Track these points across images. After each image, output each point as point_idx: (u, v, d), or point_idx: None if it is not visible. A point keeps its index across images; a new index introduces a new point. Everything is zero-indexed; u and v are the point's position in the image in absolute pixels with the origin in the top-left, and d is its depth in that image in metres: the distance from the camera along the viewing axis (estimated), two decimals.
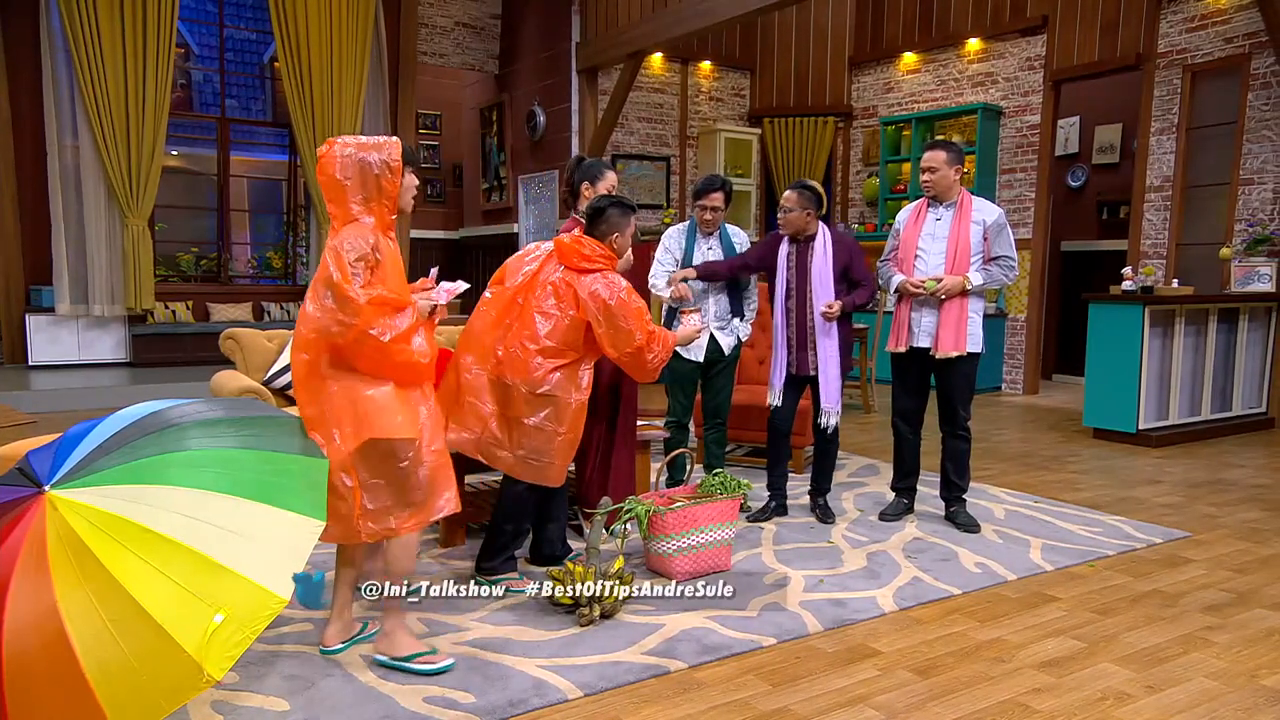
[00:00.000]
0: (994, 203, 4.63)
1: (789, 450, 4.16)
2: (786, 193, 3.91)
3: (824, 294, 3.83)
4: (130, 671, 1.73)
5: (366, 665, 2.54)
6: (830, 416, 3.92)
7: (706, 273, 4.03)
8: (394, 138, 2.53)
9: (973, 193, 3.95)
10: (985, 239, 3.83)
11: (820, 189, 3.92)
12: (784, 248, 3.94)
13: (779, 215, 3.92)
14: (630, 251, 3.17)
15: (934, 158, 3.84)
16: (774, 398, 4.02)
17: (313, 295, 2.41)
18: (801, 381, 3.99)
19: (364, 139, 2.47)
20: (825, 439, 4.00)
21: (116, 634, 1.74)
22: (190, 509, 1.90)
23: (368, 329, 2.33)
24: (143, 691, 1.74)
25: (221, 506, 1.94)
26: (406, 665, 2.50)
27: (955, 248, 3.82)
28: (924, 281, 3.81)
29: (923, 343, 3.89)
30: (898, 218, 4.08)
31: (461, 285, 2.74)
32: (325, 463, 2.27)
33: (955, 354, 3.81)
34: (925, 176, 3.87)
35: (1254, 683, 2.52)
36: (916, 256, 3.91)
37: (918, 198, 4.09)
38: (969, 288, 3.79)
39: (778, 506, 4.10)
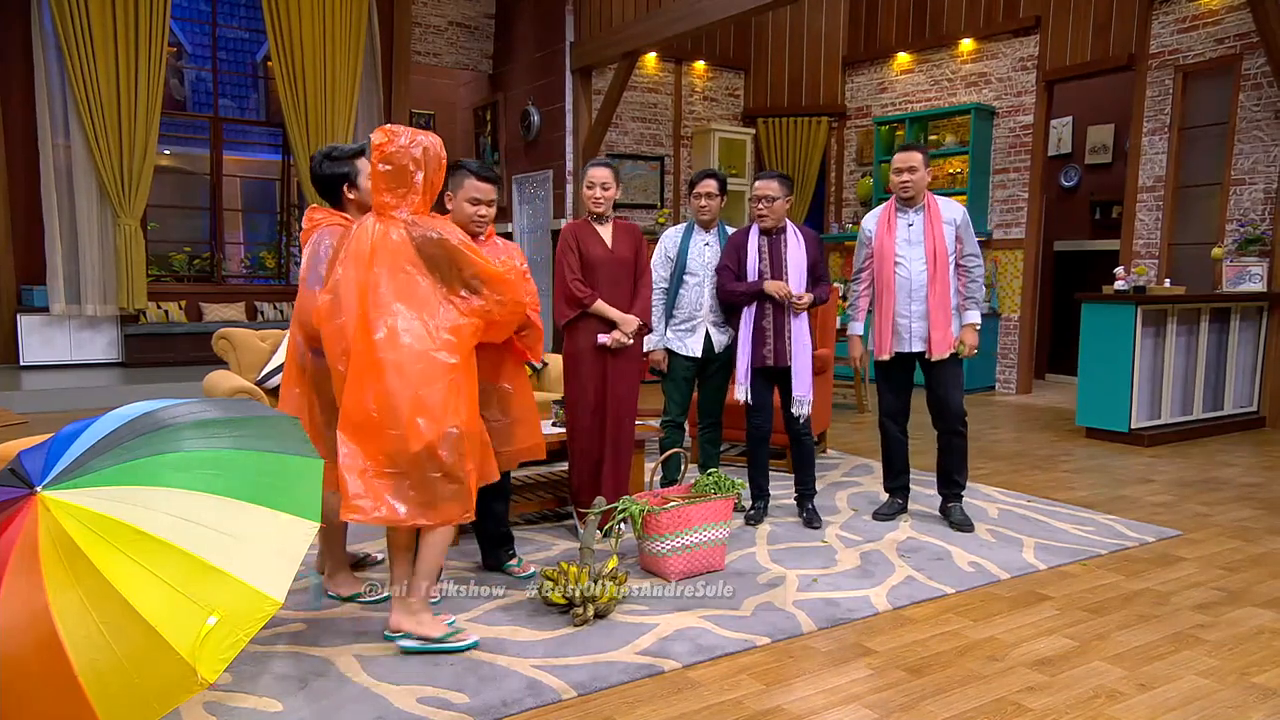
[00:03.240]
0: (986, 203, 4.65)
1: (768, 453, 4.11)
2: (766, 182, 3.82)
3: (800, 285, 3.83)
4: (123, 673, 1.73)
5: (360, 666, 2.54)
6: (803, 405, 3.84)
7: (727, 303, 3.96)
8: (432, 134, 2.62)
9: (960, 193, 3.98)
10: (957, 238, 3.88)
11: (790, 176, 3.95)
12: (754, 239, 3.87)
13: (760, 206, 3.83)
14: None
15: (912, 157, 3.84)
16: (743, 393, 3.91)
17: (456, 298, 2.53)
18: (773, 377, 3.92)
19: (413, 129, 2.54)
20: (800, 434, 3.94)
21: (109, 636, 1.73)
22: (183, 510, 1.89)
23: (518, 297, 2.63)
24: (135, 693, 1.74)
25: (215, 508, 1.93)
26: (440, 646, 2.57)
27: (934, 250, 3.83)
28: (959, 347, 3.89)
29: (916, 347, 3.90)
30: (864, 226, 4.05)
31: None
32: (320, 463, 2.26)
33: (949, 353, 3.84)
34: (905, 177, 3.85)
35: (1244, 680, 2.54)
36: (897, 263, 3.89)
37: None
38: (977, 323, 3.91)
39: (765, 507, 4.09)
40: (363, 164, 2.91)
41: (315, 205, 3.01)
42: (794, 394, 3.84)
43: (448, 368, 2.49)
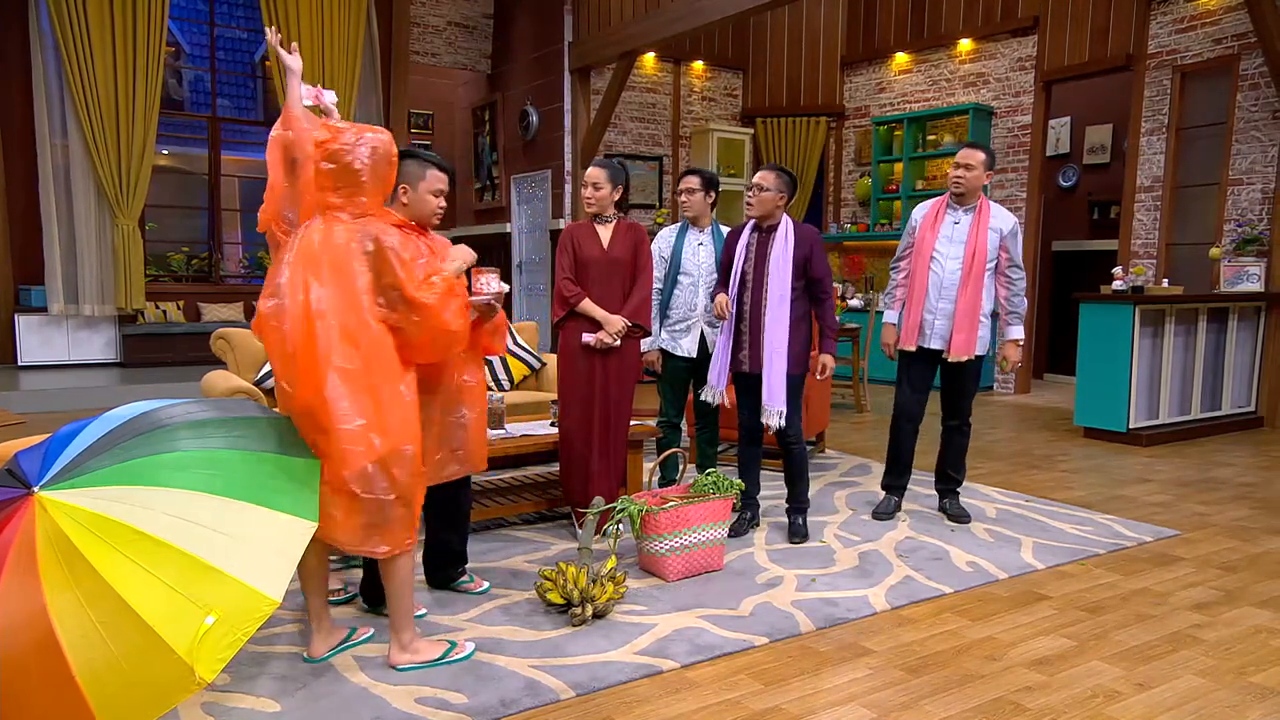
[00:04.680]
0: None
1: (759, 458, 3.91)
2: (762, 172, 3.64)
3: (779, 285, 3.56)
4: (120, 673, 1.73)
5: (359, 666, 2.54)
6: (771, 416, 3.59)
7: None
8: (382, 130, 2.47)
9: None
10: (1002, 248, 3.87)
11: (795, 177, 3.75)
12: (744, 236, 3.71)
13: (750, 194, 3.68)
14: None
15: (973, 155, 3.84)
16: (711, 395, 3.77)
17: (371, 307, 2.33)
18: (754, 382, 3.69)
19: (360, 125, 2.42)
20: (789, 444, 3.70)
21: (106, 635, 1.73)
22: (180, 510, 1.89)
23: (442, 326, 2.39)
24: (133, 692, 1.74)
25: (212, 507, 1.93)
26: (442, 662, 2.53)
27: (973, 252, 3.83)
28: (1001, 363, 3.99)
29: (935, 344, 3.91)
30: (913, 215, 4.06)
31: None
32: (317, 463, 2.26)
33: (967, 358, 3.86)
34: (959, 173, 3.86)
35: (1242, 680, 2.54)
36: (933, 258, 3.90)
37: (911, 197, 4.11)
38: (1021, 339, 3.96)
39: (752, 518, 3.87)
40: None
41: None
42: (763, 402, 3.60)
43: (398, 378, 2.35)
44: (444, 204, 2.81)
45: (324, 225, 2.37)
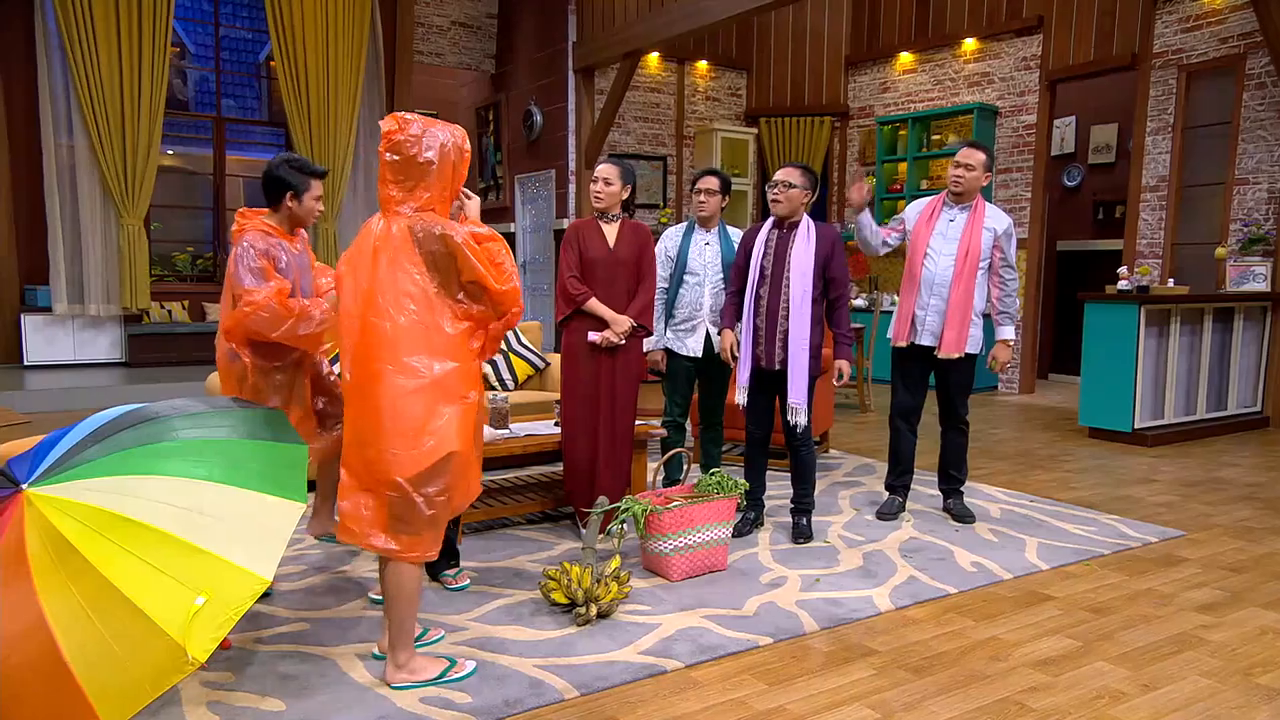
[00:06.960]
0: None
1: (765, 459, 3.91)
2: (787, 169, 3.60)
3: (802, 282, 3.54)
4: (113, 656, 1.75)
5: (363, 665, 2.54)
6: (798, 414, 3.59)
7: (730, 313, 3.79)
8: (456, 126, 2.41)
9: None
10: (996, 247, 3.88)
11: (816, 175, 3.72)
12: (764, 232, 3.66)
13: (775, 192, 3.58)
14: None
15: (974, 155, 3.87)
16: (740, 395, 3.72)
17: (453, 302, 2.31)
18: (771, 379, 3.69)
19: (431, 119, 2.35)
20: (798, 445, 3.70)
21: (97, 620, 1.76)
22: (168, 496, 1.93)
23: (517, 306, 2.39)
24: (126, 675, 1.76)
25: (200, 492, 1.97)
26: (440, 681, 2.42)
27: (966, 251, 3.84)
28: (991, 363, 3.96)
29: (925, 340, 3.92)
30: (908, 208, 4.08)
31: None
32: (304, 448, 2.29)
33: (958, 355, 3.85)
34: (959, 172, 3.88)
35: (1248, 681, 2.53)
36: (926, 255, 3.91)
37: (915, 197, 4.12)
38: (1011, 339, 3.94)
39: (756, 519, 3.88)
40: (316, 186, 3.04)
41: (245, 210, 3.04)
42: (789, 401, 3.60)
43: (468, 384, 2.34)
44: (322, 207, 3.07)
45: (384, 222, 2.34)
